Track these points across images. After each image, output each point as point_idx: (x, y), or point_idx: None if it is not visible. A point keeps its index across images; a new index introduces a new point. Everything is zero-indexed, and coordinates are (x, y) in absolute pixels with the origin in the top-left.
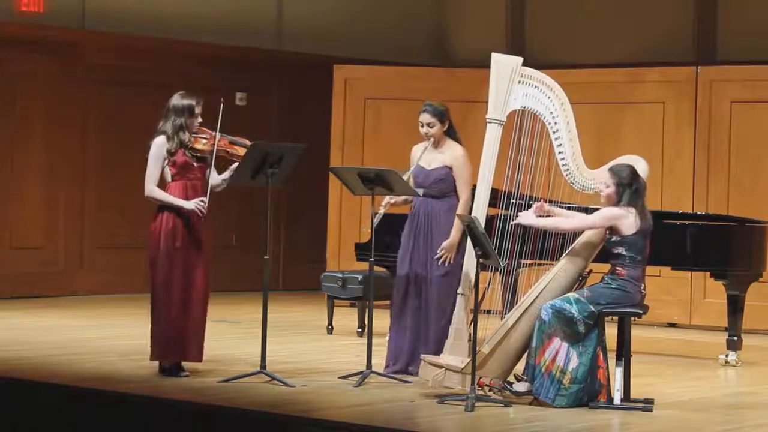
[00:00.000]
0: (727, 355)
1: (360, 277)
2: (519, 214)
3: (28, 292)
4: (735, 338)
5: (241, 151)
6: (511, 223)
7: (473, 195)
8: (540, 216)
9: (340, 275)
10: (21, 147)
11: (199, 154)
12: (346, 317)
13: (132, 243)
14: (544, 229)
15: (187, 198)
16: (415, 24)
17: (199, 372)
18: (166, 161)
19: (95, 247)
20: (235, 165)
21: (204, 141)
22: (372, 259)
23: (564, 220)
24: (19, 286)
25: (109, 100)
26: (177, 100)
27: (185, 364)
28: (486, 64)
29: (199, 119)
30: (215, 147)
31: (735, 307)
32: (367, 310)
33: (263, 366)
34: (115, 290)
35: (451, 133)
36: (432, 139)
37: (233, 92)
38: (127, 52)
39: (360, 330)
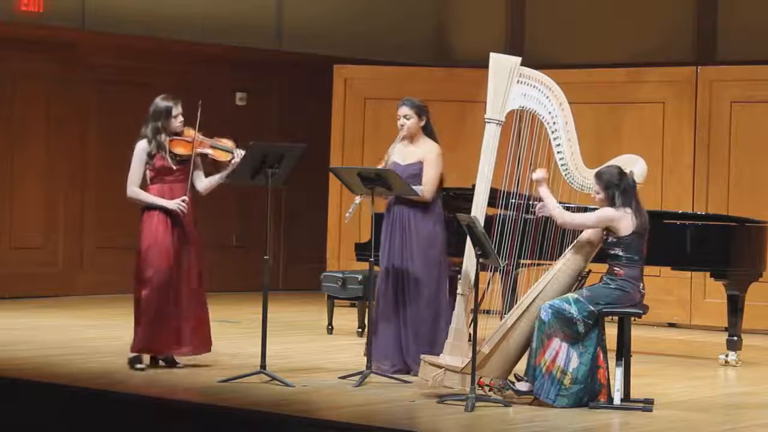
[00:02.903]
0: (727, 355)
1: (360, 277)
2: (539, 203)
3: (28, 292)
4: (735, 338)
5: (221, 154)
6: (537, 213)
7: (472, 194)
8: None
9: (340, 275)
10: (21, 147)
11: (178, 158)
12: (346, 317)
13: (132, 243)
14: (551, 213)
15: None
16: (415, 24)
17: (200, 372)
18: (147, 165)
19: (95, 247)
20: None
21: (184, 144)
22: (372, 259)
23: (565, 215)
24: (19, 286)
25: (109, 100)
26: (156, 103)
27: (182, 362)
28: (486, 64)
29: (180, 119)
30: (193, 150)
31: (735, 307)
32: (367, 310)
33: (263, 366)
34: (115, 290)
35: (428, 131)
36: (406, 133)
37: (233, 92)
38: (127, 52)
39: (360, 330)
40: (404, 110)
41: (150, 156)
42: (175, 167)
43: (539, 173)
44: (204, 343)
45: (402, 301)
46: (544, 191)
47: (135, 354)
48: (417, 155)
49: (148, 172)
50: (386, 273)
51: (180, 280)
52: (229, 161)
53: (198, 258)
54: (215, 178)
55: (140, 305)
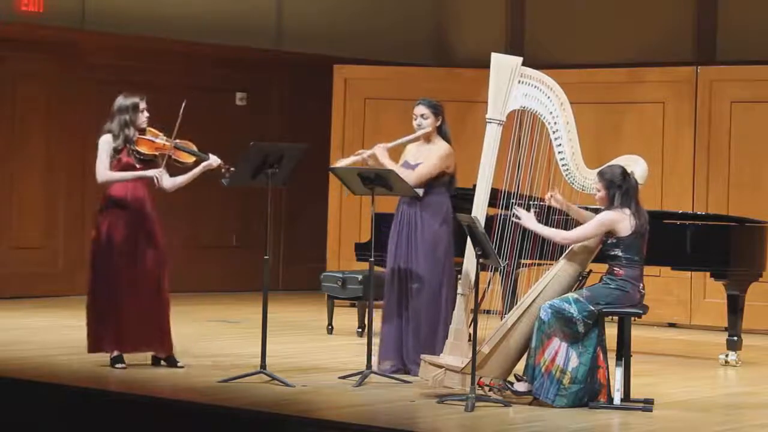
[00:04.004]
0: (727, 355)
1: (360, 277)
2: (520, 213)
3: (28, 292)
4: (735, 338)
5: (184, 156)
6: (511, 218)
7: (473, 194)
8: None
9: (340, 275)
10: (21, 147)
11: (142, 157)
12: (346, 317)
13: None
14: (541, 235)
15: (126, 198)
16: (415, 24)
17: (200, 372)
18: (112, 159)
19: None
20: (201, 166)
21: (148, 143)
22: (372, 259)
23: (562, 234)
24: (19, 286)
25: (109, 100)
26: (121, 100)
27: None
28: (486, 64)
29: (146, 114)
30: (166, 151)
31: (735, 307)
32: (367, 310)
33: (263, 366)
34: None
35: (442, 132)
36: (423, 132)
37: (233, 92)
38: (127, 52)
39: (360, 330)
40: (421, 109)
41: (116, 151)
42: (138, 166)
43: (521, 215)
44: (161, 345)
45: (405, 302)
46: (533, 226)
47: (116, 354)
48: (426, 155)
49: (112, 168)
50: (392, 274)
51: (134, 281)
52: (192, 164)
53: (158, 260)
54: (184, 178)
55: (95, 303)
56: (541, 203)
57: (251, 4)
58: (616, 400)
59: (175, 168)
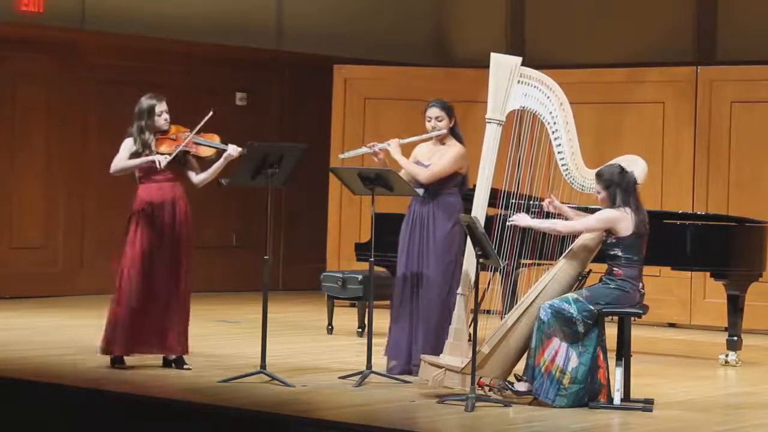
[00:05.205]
0: (727, 355)
1: (360, 277)
2: (514, 215)
3: (28, 292)
4: (735, 338)
5: (204, 151)
6: (507, 223)
7: (473, 194)
8: (547, 212)
9: (340, 275)
10: (21, 147)
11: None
12: (346, 317)
13: None
14: (539, 230)
15: (152, 199)
16: (415, 24)
17: (200, 372)
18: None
19: (95, 247)
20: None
21: (169, 142)
22: (372, 259)
23: (561, 223)
24: (19, 286)
25: (109, 100)
26: (140, 102)
27: (189, 359)
28: (486, 64)
29: (165, 116)
30: (180, 145)
31: (735, 307)
32: (367, 310)
33: (263, 366)
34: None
35: (454, 133)
36: (439, 135)
37: (233, 92)
38: (127, 52)
39: (360, 330)
40: (436, 111)
41: (136, 154)
42: (160, 168)
43: (514, 218)
44: (177, 345)
45: (416, 302)
46: (532, 222)
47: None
48: (441, 156)
49: (136, 171)
50: (403, 278)
51: (158, 282)
52: (214, 156)
53: (185, 259)
54: (208, 173)
55: (118, 306)
56: (541, 202)
57: (251, 4)
58: (616, 400)
59: (201, 164)
